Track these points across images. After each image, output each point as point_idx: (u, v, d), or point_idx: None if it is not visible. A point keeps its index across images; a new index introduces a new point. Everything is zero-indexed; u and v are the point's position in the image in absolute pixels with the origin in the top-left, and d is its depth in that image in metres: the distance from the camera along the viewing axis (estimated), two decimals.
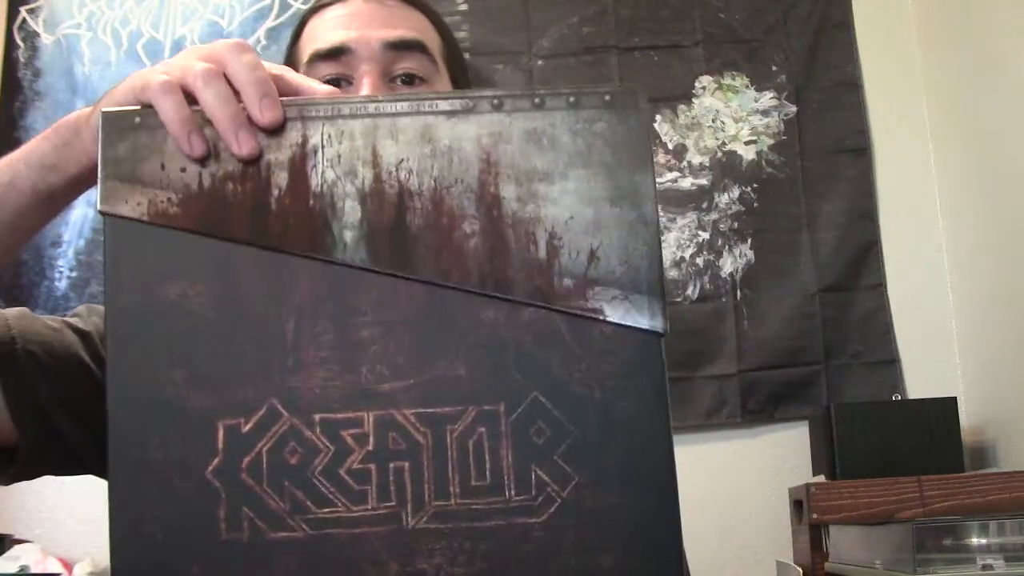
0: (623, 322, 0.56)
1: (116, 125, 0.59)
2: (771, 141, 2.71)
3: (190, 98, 0.59)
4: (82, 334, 0.80)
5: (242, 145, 0.56)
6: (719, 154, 2.71)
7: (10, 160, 0.68)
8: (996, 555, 1.79)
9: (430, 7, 0.95)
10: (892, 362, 2.60)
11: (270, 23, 2.79)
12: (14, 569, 2.18)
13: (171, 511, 0.54)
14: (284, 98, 0.59)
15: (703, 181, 2.70)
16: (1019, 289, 2.27)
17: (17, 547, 2.30)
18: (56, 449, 0.77)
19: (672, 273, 2.66)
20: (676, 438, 0.96)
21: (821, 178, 2.69)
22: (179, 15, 2.80)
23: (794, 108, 2.72)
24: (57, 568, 2.25)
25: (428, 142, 0.58)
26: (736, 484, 2.52)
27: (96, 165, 0.58)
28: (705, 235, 2.67)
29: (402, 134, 0.58)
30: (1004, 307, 2.35)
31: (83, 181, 0.68)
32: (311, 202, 0.57)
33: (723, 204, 2.69)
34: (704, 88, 2.75)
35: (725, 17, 2.77)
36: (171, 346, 0.56)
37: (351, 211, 0.57)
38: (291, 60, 0.93)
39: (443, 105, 0.58)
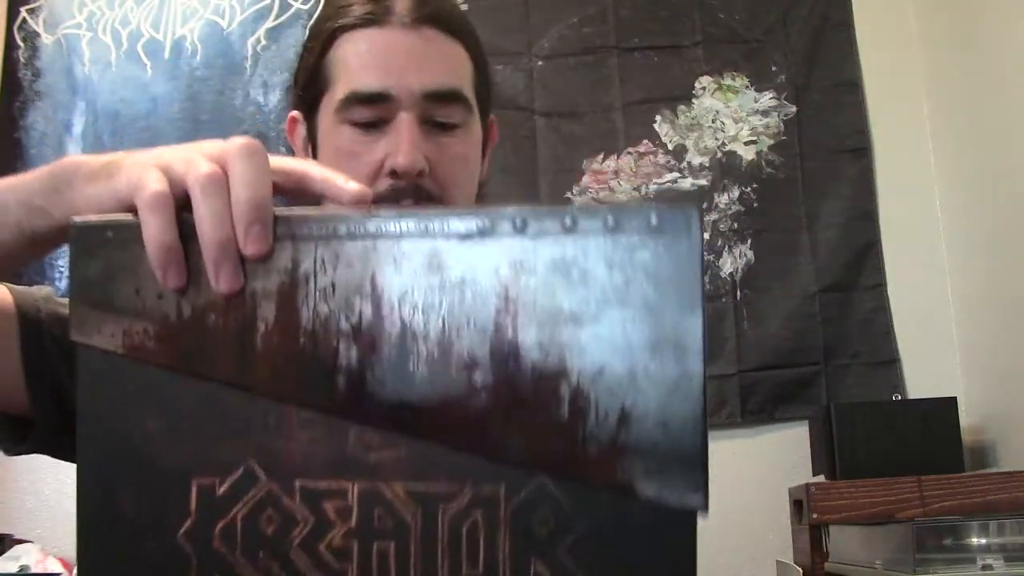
0: (656, 499, 0.46)
1: (87, 240, 0.53)
2: (771, 141, 2.72)
3: (183, 199, 0.54)
4: None
5: (221, 281, 0.51)
6: (719, 154, 2.72)
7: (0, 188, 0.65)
8: (996, 555, 1.79)
9: (465, 29, 0.92)
10: (892, 362, 2.59)
11: (270, 23, 2.79)
12: (14, 569, 2.18)
13: (139, 574, 0.50)
14: (279, 209, 0.53)
15: (703, 181, 2.70)
16: (1019, 289, 2.27)
17: (17, 547, 2.30)
18: (71, 434, 0.78)
19: None
20: None
21: (821, 178, 2.69)
22: (179, 15, 2.80)
23: (794, 108, 2.72)
24: (57, 568, 2.25)
25: (437, 271, 0.49)
26: (736, 484, 2.52)
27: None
28: (705, 235, 2.67)
29: (407, 261, 0.49)
30: (1004, 307, 2.35)
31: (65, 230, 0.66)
32: (301, 341, 0.50)
33: (723, 204, 2.69)
34: (704, 88, 2.75)
35: (725, 17, 2.77)
36: (147, 393, 0.52)
37: (346, 354, 0.49)
38: (315, 70, 0.90)
39: (456, 225, 0.49)
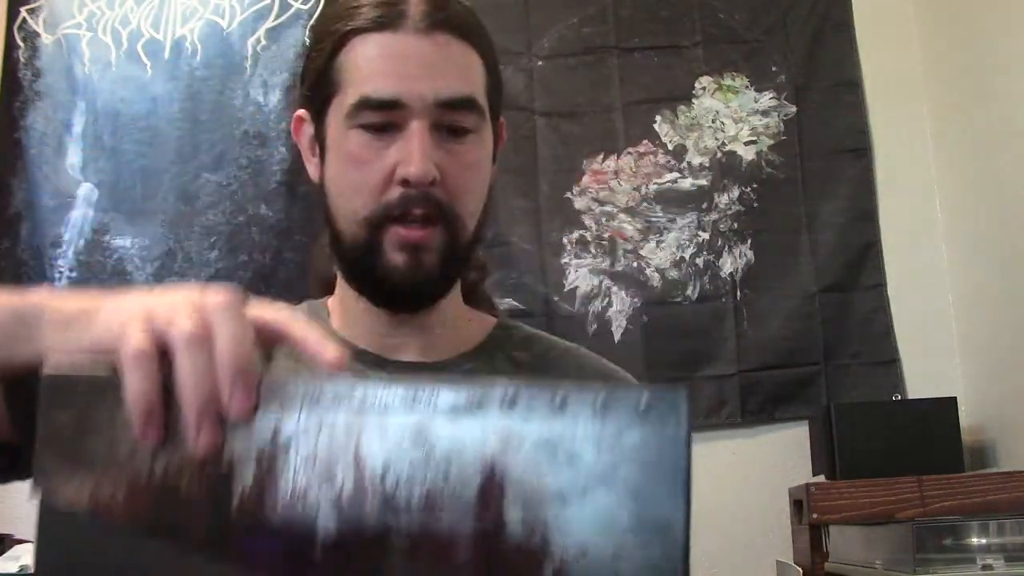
0: None
1: (59, 393, 0.51)
2: (771, 141, 2.72)
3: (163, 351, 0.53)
4: None
5: (201, 438, 0.49)
6: (719, 154, 2.72)
7: None
8: (996, 555, 1.80)
9: (478, 33, 0.91)
10: (892, 362, 2.59)
11: (270, 23, 2.79)
12: (14, 569, 2.18)
13: None
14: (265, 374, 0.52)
15: (703, 181, 2.70)
16: (1019, 289, 2.27)
17: (17, 547, 2.30)
18: None
19: (672, 273, 2.66)
20: None
21: (821, 178, 2.69)
22: (179, 15, 2.80)
23: (794, 108, 2.72)
24: None
25: (423, 445, 0.48)
26: (736, 484, 2.52)
27: (42, 357, 0.53)
28: (705, 235, 2.67)
29: (393, 433, 0.48)
30: (1004, 307, 2.35)
31: (32, 370, 0.62)
32: (279, 510, 0.48)
33: (723, 204, 2.69)
34: (704, 88, 2.75)
35: (725, 17, 2.77)
36: (110, 555, 0.50)
37: (325, 526, 0.48)
38: (324, 72, 0.88)
39: (445, 398, 0.48)
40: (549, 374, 0.91)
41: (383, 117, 0.84)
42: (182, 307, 0.53)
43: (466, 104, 0.86)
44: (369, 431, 0.48)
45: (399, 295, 0.86)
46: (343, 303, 0.92)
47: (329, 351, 0.53)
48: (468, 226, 0.87)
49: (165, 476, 0.50)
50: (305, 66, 0.93)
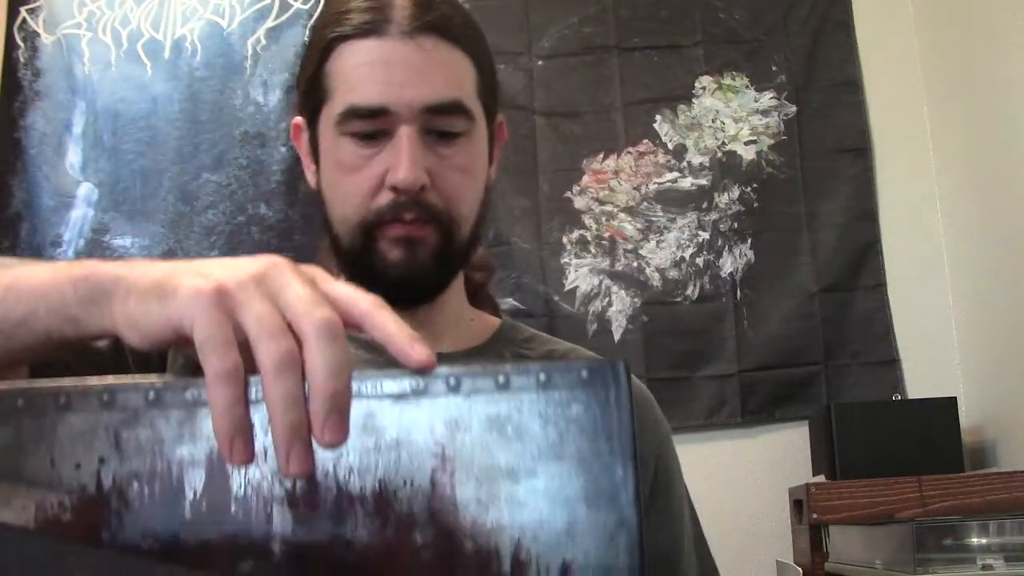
0: None
1: None
2: (771, 141, 2.72)
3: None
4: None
5: (292, 464, 0.46)
6: (719, 154, 2.72)
7: (24, 292, 0.59)
8: (996, 555, 1.79)
9: (466, 34, 0.90)
10: (892, 362, 2.60)
11: (270, 23, 2.79)
12: None
13: None
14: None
15: (703, 181, 2.70)
16: (1019, 289, 2.27)
17: None
18: None
19: (672, 273, 2.66)
20: (676, 438, 0.96)
21: (821, 178, 2.69)
22: (179, 15, 2.80)
23: (794, 108, 2.72)
24: None
25: (371, 433, 0.48)
26: (736, 484, 2.52)
27: (119, 334, 0.51)
28: (705, 235, 2.67)
29: None
30: (1004, 307, 2.35)
31: (99, 339, 0.60)
32: (232, 509, 0.48)
33: (723, 204, 2.69)
34: (704, 88, 2.75)
35: (725, 17, 2.77)
36: (60, 572, 0.48)
37: (280, 521, 0.47)
38: (314, 79, 0.88)
39: (389, 386, 0.48)
40: None
41: (371, 125, 0.85)
42: (274, 312, 0.48)
43: (454, 108, 0.86)
44: None
45: (396, 290, 0.85)
46: None
47: (417, 351, 0.50)
48: (463, 227, 0.87)
49: (114, 485, 0.48)
50: (299, 73, 0.93)
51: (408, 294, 0.88)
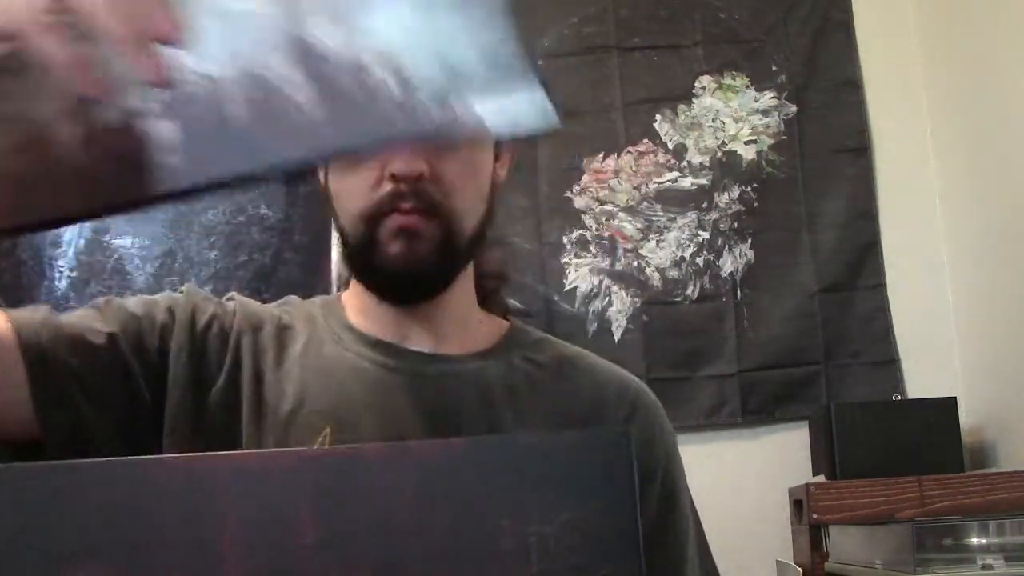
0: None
1: None
2: (771, 141, 2.71)
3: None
4: (110, 337, 0.81)
5: (149, 66, 0.51)
6: (719, 154, 2.71)
7: None
8: (996, 555, 1.79)
9: None
10: (892, 362, 2.59)
11: None
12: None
13: None
14: None
15: (703, 181, 2.70)
16: (1019, 289, 2.27)
17: None
18: (79, 456, 0.78)
19: (672, 273, 2.66)
20: (677, 438, 0.96)
21: (821, 178, 2.69)
22: None
23: (794, 108, 2.72)
24: None
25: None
26: (736, 484, 2.52)
27: None
28: (705, 235, 2.67)
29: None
30: (1004, 307, 2.35)
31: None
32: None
33: (723, 204, 2.69)
34: (704, 88, 2.75)
35: (725, 17, 2.77)
36: None
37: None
38: None
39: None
40: (563, 385, 0.90)
41: None
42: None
43: None
44: None
45: (398, 285, 0.87)
46: (357, 298, 0.92)
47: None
48: (465, 222, 0.86)
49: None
50: None
51: (409, 289, 0.87)
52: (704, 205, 2.69)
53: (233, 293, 0.94)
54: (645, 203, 2.70)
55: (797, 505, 2.30)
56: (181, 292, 0.89)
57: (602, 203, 2.70)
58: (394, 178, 0.83)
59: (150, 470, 0.47)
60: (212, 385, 0.84)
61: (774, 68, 2.75)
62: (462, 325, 0.92)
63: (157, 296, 0.88)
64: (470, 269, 0.93)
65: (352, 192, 0.86)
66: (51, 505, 0.45)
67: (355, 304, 0.93)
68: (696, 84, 2.75)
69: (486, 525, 0.46)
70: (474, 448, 0.49)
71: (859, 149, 2.70)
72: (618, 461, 0.47)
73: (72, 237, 2.70)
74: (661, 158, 2.72)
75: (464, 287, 0.93)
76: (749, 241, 2.67)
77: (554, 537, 0.46)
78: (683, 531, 0.91)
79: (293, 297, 0.97)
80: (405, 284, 0.86)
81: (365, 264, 0.87)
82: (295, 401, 0.84)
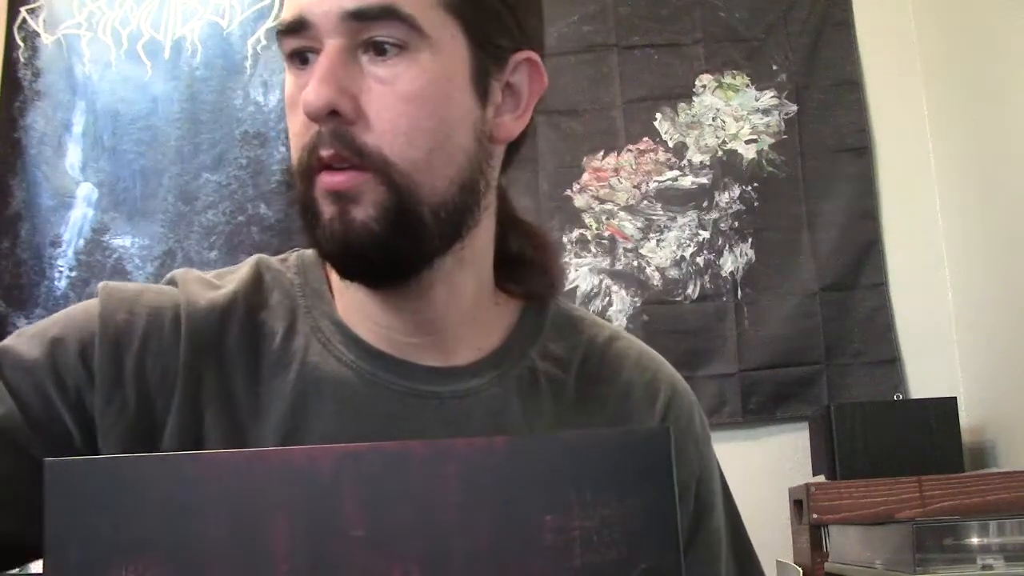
0: None
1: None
2: (771, 140, 2.71)
3: None
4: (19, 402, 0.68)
5: None
6: (719, 153, 2.71)
7: None
8: (996, 555, 1.79)
9: None
10: (893, 362, 2.59)
11: (270, 23, 2.79)
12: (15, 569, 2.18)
13: None
14: None
15: (703, 180, 2.70)
16: (1019, 289, 2.27)
17: None
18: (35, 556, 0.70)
19: (672, 272, 2.66)
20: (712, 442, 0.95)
21: (821, 177, 2.68)
22: (179, 15, 2.80)
23: (794, 107, 2.72)
24: None
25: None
26: (736, 484, 2.49)
27: None
28: (705, 234, 2.67)
29: None
30: (1004, 307, 2.35)
31: None
32: None
33: (723, 203, 2.69)
34: (704, 87, 2.75)
35: (725, 16, 2.76)
36: None
37: None
38: None
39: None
40: (587, 388, 0.80)
41: (296, 42, 0.69)
42: None
43: (383, 13, 0.67)
44: None
45: (342, 266, 0.71)
46: (342, 281, 0.75)
47: None
48: (419, 177, 0.68)
49: None
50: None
51: (358, 271, 0.71)
52: (704, 204, 2.69)
53: (176, 274, 0.77)
54: (645, 202, 2.70)
55: (797, 505, 2.30)
56: (98, 298, 0.73)
57: (602, 202, 2.70)
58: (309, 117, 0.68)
59: (200, 465, 0.49)
60: (160, 433, 0.70)
61: (774, 67, 2.74)
62: (470, 323, 0.76)
63: (70, 319, 0.72)
64: (481, 246, 0.76)
65: (292, 141, 0.71)
66: (104, 498, 0.47)
67: (340, 291, 0.76)
68: (696, 83, 2.75)
69: (529, 520, 0.48)
70: (516, 446, 0.50)
71: (859, 148, 2.70)
72: (657, 457, 0.49)
73: (72, 237, 2.70)
74: (661, 156, 2.71)
75: (464, 271, 0.75)
76: (749, 240, 2.67)
77: (596, 532, 0.47)
78: (715, 549, 0.86)
79: (261, 256, 0.80)
80: (348, 264, 0.70)
81: (310, 238, 0.71)
82: (284, 428, 0.71)
